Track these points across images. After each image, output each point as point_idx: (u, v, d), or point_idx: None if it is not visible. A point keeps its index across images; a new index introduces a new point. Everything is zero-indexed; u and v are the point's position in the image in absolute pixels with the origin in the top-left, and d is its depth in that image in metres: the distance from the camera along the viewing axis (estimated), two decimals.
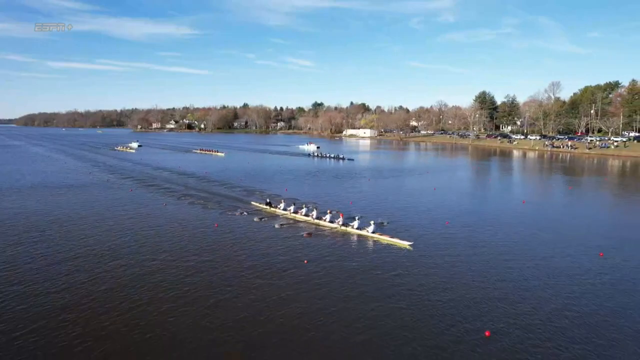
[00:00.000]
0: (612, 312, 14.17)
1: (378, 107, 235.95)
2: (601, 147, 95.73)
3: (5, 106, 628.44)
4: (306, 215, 26.85)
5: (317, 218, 26.01)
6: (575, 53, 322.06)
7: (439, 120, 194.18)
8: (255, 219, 26.56)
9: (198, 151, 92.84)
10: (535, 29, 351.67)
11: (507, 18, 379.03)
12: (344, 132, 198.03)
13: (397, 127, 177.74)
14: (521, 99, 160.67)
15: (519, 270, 18.05)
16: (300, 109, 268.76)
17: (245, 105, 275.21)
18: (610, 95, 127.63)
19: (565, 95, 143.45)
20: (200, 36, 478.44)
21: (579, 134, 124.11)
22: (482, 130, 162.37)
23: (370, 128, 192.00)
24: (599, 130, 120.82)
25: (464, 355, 11.46)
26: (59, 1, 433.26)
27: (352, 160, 73.92)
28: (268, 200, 30.89)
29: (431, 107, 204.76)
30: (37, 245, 20.86)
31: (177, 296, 14.99)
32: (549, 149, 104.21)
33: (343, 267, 18.14)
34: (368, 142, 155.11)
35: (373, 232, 22.86)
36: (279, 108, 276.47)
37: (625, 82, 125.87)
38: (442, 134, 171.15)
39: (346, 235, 23.30)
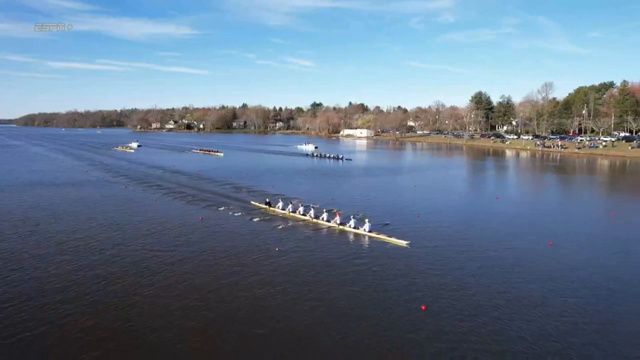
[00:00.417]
0: (549, 292, 15.95)
1: (377, 107, 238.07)
2: (590, 147, 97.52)
3: (5, 106, 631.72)
4: (303, 214, 27.48)
5: (316, 217, 26.52)
6: (575, 53, 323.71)
7: (435, 121, 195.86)
8: (256, 220, 26.81)
9: (197, 151, 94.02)
10: (535, 29, 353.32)
11: (507, 18, 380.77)
12: (341, 132, 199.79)
13: (394, 128, 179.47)
14: (519, 99, 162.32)
15: (474, 260, 19.75)
16: (299, 109, 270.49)
17: (244, 106, 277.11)
18: (604, 96, 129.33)
19: (562, 95, 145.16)
20: (200, 36, 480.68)
21: (572, 134, 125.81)
22: (478, 130, 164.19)
23: (367, 128, 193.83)
24: (592, 131, 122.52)
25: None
26: (59, 1, 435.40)
27: (350, 160, 75.39)
28: (267, 200, 31.28)
29: (429, 107, 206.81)
30: (30, 237, 22.64)
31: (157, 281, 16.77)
32: (540, 148, 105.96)
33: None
34: (364, 142, 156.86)
35: (369, 231, 23.35)
36: (278, 108, 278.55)
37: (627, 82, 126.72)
38: (437, 134, 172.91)
39: (343, 233, 23.97)
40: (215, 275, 17.29)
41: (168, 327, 12.93)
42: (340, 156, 77.59)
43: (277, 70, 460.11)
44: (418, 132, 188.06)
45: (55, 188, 39.15)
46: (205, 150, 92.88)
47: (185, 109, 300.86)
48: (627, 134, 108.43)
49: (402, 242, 21.64)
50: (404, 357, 11.59)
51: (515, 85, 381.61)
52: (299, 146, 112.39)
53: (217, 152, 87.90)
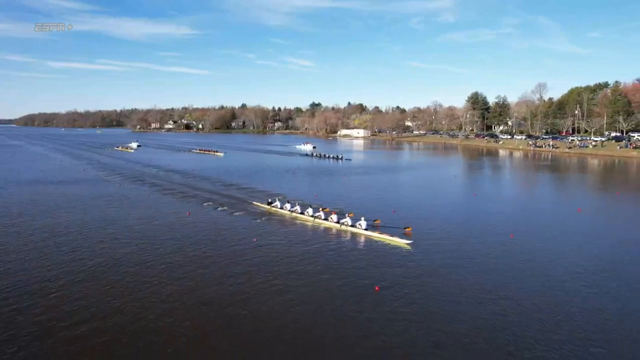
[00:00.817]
0: (510, 278, 17.69)
1: (375, 107, 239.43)
2: (580, 147, 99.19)
3: (5, 106, 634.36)
4: (302, 213, 28.15)
5: (314, 217, 27.15)
6: (575, 53, 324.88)
7: (432, 121, 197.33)
8: (257, 220, 27.36)
9: (197, 151, 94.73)
10: (535, 29, 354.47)
11: (507, 18, 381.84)
12: (338, 132, 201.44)
13: (390, 128, 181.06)
14: (514, 100, 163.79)
15: (445, 252, 21.41)
16: (298, 109, 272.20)
17: (243, 106, 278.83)
18: (598, 96, 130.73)
19: (557, 95, 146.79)
20: (200, 36, 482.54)
21: (565, 134, 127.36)
22: (474, 130, 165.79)
23: (364, 128, 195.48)
24: (585, 131, 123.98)
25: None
26: (59, 1, 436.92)
27: (350, 160, 76.32)
28: (270, 200, 31.74)
29: (427, 107, 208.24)
30: (26, 230, 24.31)
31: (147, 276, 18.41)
32: (532, 148, 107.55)
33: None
34: (361, 142, 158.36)
35: (366, 229, 24.11)
36: (277, 108, 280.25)
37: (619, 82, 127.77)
38: (433, 134, 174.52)
39: (342, 232, 24.78)
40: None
41: (156, 315, 14.52)
42: (340, 156, 77.99)
43: (277, 70, 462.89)
44: (415, 132, 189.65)
45: (52, 185, 40.80)
46: (205, 150, 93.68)
47: (185, 109, 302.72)
48: (618, 134, 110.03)
49: (404, 242, 22.22)
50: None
51: (515, 86, 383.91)
52: (297, 146, 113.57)
53: (217, 152, 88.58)
